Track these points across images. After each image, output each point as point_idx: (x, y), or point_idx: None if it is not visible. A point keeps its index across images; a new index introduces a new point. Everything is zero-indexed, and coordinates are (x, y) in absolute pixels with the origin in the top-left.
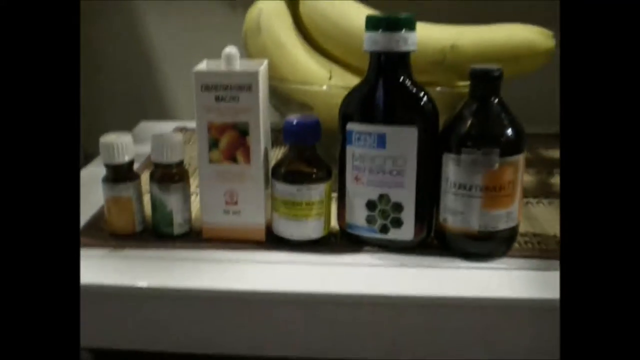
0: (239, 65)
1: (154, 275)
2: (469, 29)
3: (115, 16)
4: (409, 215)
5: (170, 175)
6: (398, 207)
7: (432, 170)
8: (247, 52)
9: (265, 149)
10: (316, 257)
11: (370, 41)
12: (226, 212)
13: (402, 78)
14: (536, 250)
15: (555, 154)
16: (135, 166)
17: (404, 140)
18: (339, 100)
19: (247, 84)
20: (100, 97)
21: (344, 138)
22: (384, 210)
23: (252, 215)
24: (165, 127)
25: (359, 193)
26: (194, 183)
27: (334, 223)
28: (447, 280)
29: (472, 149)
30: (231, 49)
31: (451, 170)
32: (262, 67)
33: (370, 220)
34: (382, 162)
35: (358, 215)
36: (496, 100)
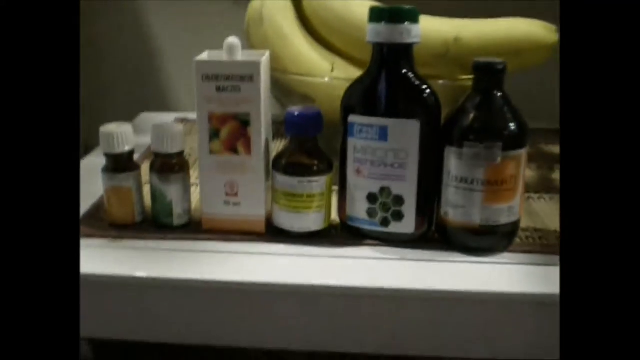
0: (241, 55)
1: (153, 266)
2: (473, 22)
3: (116, 7)
4: (410, 209)
5: (170, 165)
6: (399, 200)
7: (433, 163)
8: (249, 43)
9: (266, 140)
10: (316, 249)
11: (373, 32)
12: (226, 203)
13: (404, 70)
14: (537, 245)
15: (556, 149)
16: (136, 157)
17: (406, 133)
18: (341, 92)
19: (248, 74)
20: (101, 89)
21: (346, 130)
22: (385, 203)
23: (253, 206)
24: (166, 118)
25: (360, 186)
26: (194, 174)
27: (334, 216)
28: (448, 274)
29: (475, 143)
30: (233, 39)
31: (453, 163)
32: (264, 57)
33: (371, 213)
34: (383, 154)
35: (359, 208)
36: (499, 94)
